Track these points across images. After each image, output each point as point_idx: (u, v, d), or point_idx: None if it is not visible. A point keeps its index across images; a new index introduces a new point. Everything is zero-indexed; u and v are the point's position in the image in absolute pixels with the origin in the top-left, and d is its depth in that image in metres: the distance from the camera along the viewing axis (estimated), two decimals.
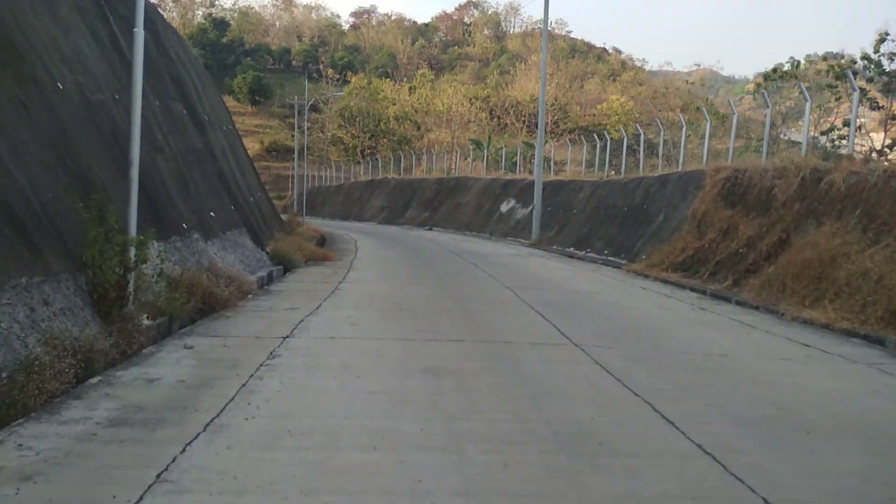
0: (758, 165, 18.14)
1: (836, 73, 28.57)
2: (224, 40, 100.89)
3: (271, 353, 7.30)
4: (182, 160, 14.05)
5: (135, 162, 8.62)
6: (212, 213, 14.22)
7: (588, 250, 25.36)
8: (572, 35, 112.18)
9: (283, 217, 31.07)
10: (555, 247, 28.15)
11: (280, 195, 71.65)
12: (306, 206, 62.81)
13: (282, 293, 12.05)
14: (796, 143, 24.21)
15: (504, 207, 36.57)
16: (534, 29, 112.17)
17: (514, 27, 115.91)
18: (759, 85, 44.07)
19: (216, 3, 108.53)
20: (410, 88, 73.13)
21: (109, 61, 12.46)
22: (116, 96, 11.87)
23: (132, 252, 8.17)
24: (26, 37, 9.50)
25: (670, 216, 21.08)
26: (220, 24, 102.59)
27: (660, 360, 7.78)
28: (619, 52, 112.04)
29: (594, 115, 70.30)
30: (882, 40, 29.13)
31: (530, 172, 40.27)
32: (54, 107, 9.36)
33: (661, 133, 28.68)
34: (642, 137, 30.00)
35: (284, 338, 8.07)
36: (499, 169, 43.19)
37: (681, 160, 26.52)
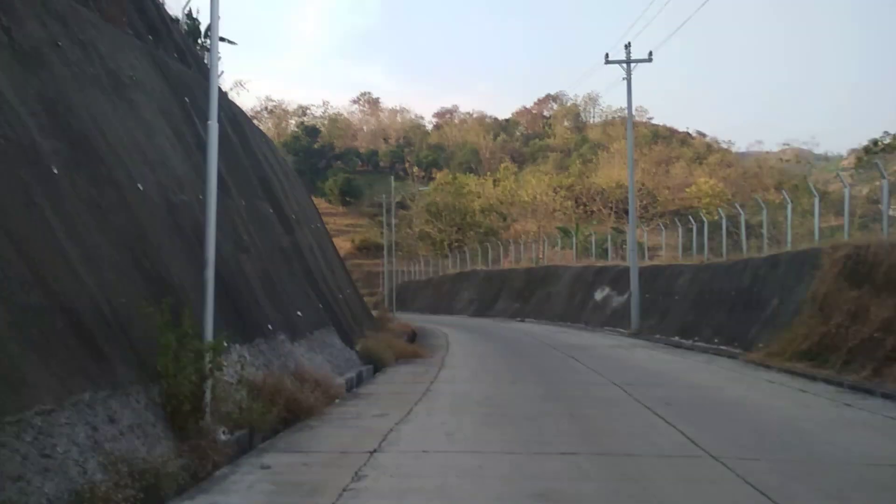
0: (881, 241, 16.35)
1: None
2: (315, 146, 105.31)
3: (356, 473, 6.29)
4: (268, 259, 13.64)
5: (210, 262, 8.02)
6: (299, 313, 13.63)
7: (695, 339, 23.51)
8: (654, 121, 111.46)
9: (374, 313, 30.62)
10: (657, 336, 26.37)
11: (371, 291, 72.12)
12: (397, 301, 62.75)
13: (371, 396, 11.12)
14: None
15: (598, 296, 35.05)
16: (614, 118, 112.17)
17: (593, 117, 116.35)
18: (860, 159, 41.59)
19: (307, 111, 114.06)
20: (494, 181, 73.49)
21: (194, 163, 12.28)
22: (200, 197, 11.59)
23: (207, 358, 7.47)
24: (106, 139, 9.28)
25: (786, 300, 19.24)
26: (312, 131, 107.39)
27: (823, 474, 6.32)
28: (703, 135, 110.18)
29: (683, 198, 68.44)
30: None
31: (622, 258, 38.81)
32: (133, 208, 9.00)
33: (765, 212, 26.93)
34: (742, 217, 28.27)
35: (372, 452, 7.06)
36: (589, 256, 41.89)
37: (788, 239, 24.72)
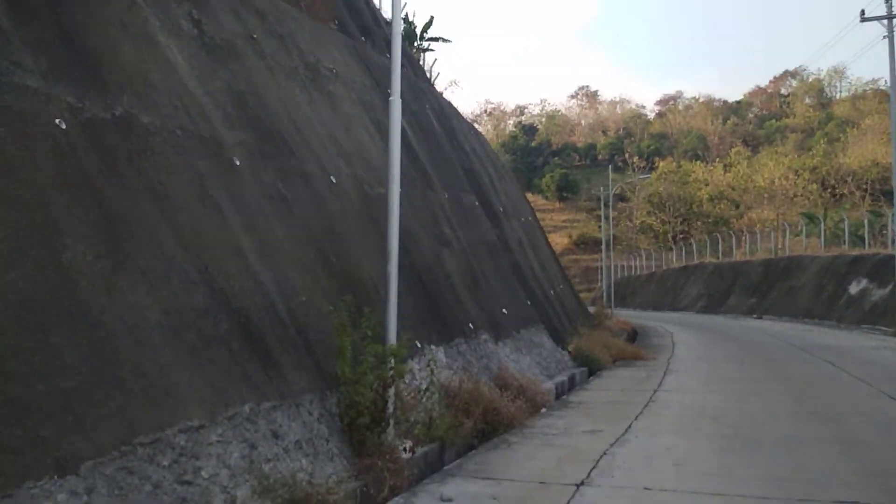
0: None
1: None
2: (533, 144, 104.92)
3: None
4: (472, 253, 12.72)
5: (392, 255, 7.13)
6: (504, 311, 12.55)
7: None
8: None
9: (591, 310, 28.98)
10: None
11: (589, 287, 70.04)
12: (616, 298, 60.07)
13: (582, 406, 9.70)
14: None
15: (853, 289, 30.29)
16: (864, 90, 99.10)
17: (840, 92, 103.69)
18: None
19: (525, 110, 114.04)
20: (725, 166, 67.72)
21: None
22: (400, 189, 10.93)
23: (390, 364, 6.56)
24: (300, 131, 8.80)
25: None
26: (529, 130, 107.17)
27: None
28: None
29: None
30: None
31: (883, 245, 33.36)
32: (323, 201, 8.40)
33: None
34: None
35: (578, 485, 5.68)
36: (840, 245, 36.60)
37: None
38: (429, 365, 7.59)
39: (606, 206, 45.62)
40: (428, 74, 24.45)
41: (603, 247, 37.10)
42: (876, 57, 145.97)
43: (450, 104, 18.69)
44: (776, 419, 8.41)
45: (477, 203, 14.97)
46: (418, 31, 29.63)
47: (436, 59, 47.33)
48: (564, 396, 10.65)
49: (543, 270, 19.14)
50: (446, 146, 15.14)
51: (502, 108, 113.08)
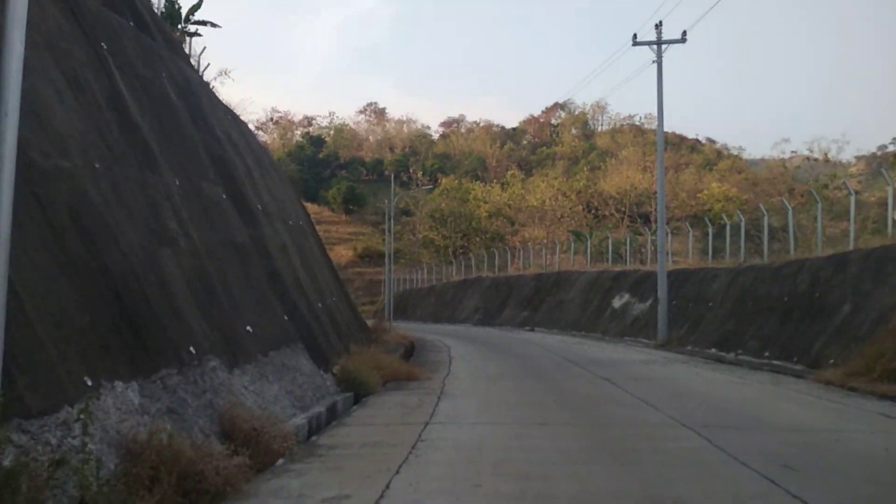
0: None
1: None
2: (320, 156, 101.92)
3: None
4: (209, 257, 9.89)
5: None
6: (248, 329, 9.87)
7: (738, 352, 19.64)
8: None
9: (370, 323, 26.97)
10: (689, 348, 22.52)
11: (373, 300, 68.44)
12: (398, 310, 58.92)
13: (333, 452, 7.33)
14: None
15: (617, 303, 31.18)
16: (622, 125, 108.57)
17: (601, 125, 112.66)
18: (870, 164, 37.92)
19: (313, 122, 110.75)
20: (503, 184, 69.64)
21: (97, 123, 8.53)
22: (97, 165, 7.91)
23: None
24: None
25: (862, 306, 15.39)
26: (317, 141, 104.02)
27: None
28: (712, 141, 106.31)
29: (695, 204, 64.55)
30: None
31: (641, 262, 34.99)
32: None
33: (791, 213, 23.19)
34: (766, 220, 24.40)
35: None
36: (604, 261, 38.05)
37: (819, 242, 21.02)
38: (79, 417, 4.81)
39: (390, 218, 44.19)
40: (196, 62, 21.16)
41: (387, 259, 35.31)
42: (635, 91, 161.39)
43: (203, 81, 15.65)
44: (569, 461, 6.64)
45: (225, 196, 12.13)
46: (184, 12, 26.06)
47: (205, 48, 43.18)
48: (314, 438, 8.21)
49: (313, 281, 16.62)
50: (188, 126, 12.15)
51: (290, 117, 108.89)
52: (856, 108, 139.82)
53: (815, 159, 57.43)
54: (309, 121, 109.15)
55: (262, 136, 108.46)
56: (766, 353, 18.29)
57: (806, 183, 56.29)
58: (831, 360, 15.11)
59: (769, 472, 6.11)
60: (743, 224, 26.11)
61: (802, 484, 5.72)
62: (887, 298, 14.50)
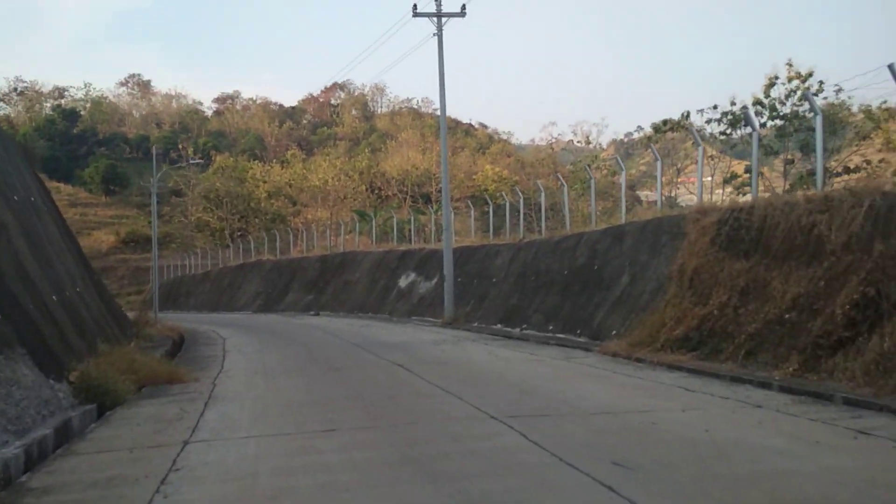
0: (768, 201, 13.19)
1: (733, 118, 25.57)
2: (75, 131, 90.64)
3: None
4: None
5: None
6: None
7: (524, 326, 19.57)
8: (438, 113, 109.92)
9: (131, 315, 23.60)
10: (476, 324, 22.23)
11: (140, 289, 62.13)
12: (170, 300, 53.90)
13: (44, 501, 5.22)
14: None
15: (403, 282, 30.42)
16: (401, 108, 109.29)
17: (381, 107, 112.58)
18: (633, 142, 41.22)
19: (66, 93, 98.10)
20: (283, 162, 66.33)
21: None
22: None
23: None
24: None
25: (639, 276, 15.72)
26: (71, 115, 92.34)
27: None
28: (484, 126, 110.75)
29: (471, 185, 66.41)
30: (772, 84, 26.52)
31: (425, 241, 34.61)
32: None
33: (566, 190, 24.01)
34: (543, 198, 25.04)
35: None
36: (389, 241, 37.20)
37: (594, 218, 21.98)
38: None
39: (154, 196, 39.74)
40: None
41: (153, 243, 31.50)
42: (413, 74, 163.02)
43: None
44: (368, 483, 5.19)
45: None
46: None
47: None
48: (25, 477, 5.95)
49: (47, 269, 13.51)
50: None
51: (37, 88, 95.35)
52: (614, 94, 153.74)
53: (578, 142, 61.39)
54: (60, 92, 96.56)
55: (5, 109, 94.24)
56: (551, 327, 18.32)
57: (569, 165, 60.13)
58: (614, 332, 15.27)
59: (602, 474, 5.13)
60: (522, 202, 26.46)
61: (643, 487, 4.79)
62: (664, 268, 14.86)
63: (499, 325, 21.03)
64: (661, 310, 13.96)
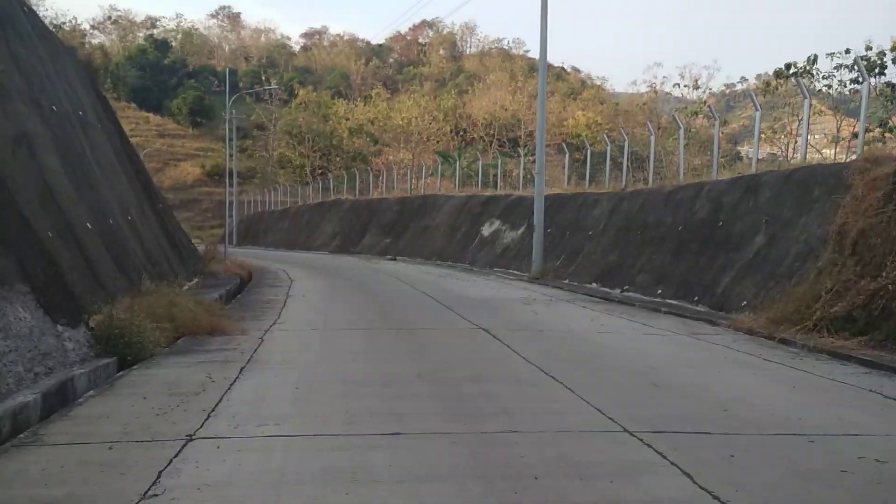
0: None
1: (867, 64, 21.95)
2: (166, 62, 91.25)
3: None
4: None
5: None
6: None
7: (626, 287, 17.00)
8: (530, 55, 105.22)
9: (201, 249, 22.44)
10: (567, 281, 19.78)
11: (222, 223, 62.27)
12: (248, 236, 53.50)
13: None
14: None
15: (486, 230, 28.11)
16: (490, 48, 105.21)
17: (470, 47, 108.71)
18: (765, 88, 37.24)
19: (158, 23, 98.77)
20: (366, 98, 64.36)
21: None
22: None
23: None
24: None
25: (780, 237, 12.84)
26: (162, 46, 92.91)
27: None
28: (577, 71, 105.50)
29: (562, 132, 62.83)
30: None
31: (512, 188, 32.04)
32: None
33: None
34: (627, 146, 21.92)
35: None
36: (473, 186, 34.80)
37: (681, 170, 18.89)
38: None
39: (232, 129, 38.51)
40: None
41: (227, 177, 30.16)
42: (504, 14, 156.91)
43: None
44: None
45: None
46: None
47: None
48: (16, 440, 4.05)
49: (87, 191, 11.87)
50: None
51: (130, 16, 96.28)
52: (728, 34, 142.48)
53: (685, 86, 56.43)
54: (153, 22, 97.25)
55: (101, 38, 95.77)
56: (659, 291, 15.69)
57: (666, 115, 55.70)
58: (744, 302, 12.55)
59: None
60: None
61: None
62: (815, 228, 11.97)
63: (594, 284, 18.53)
64: (811, 279, 11.17)
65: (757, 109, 16.76)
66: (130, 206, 14.43)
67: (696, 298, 14.16)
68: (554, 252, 21.99)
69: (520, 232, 25.76)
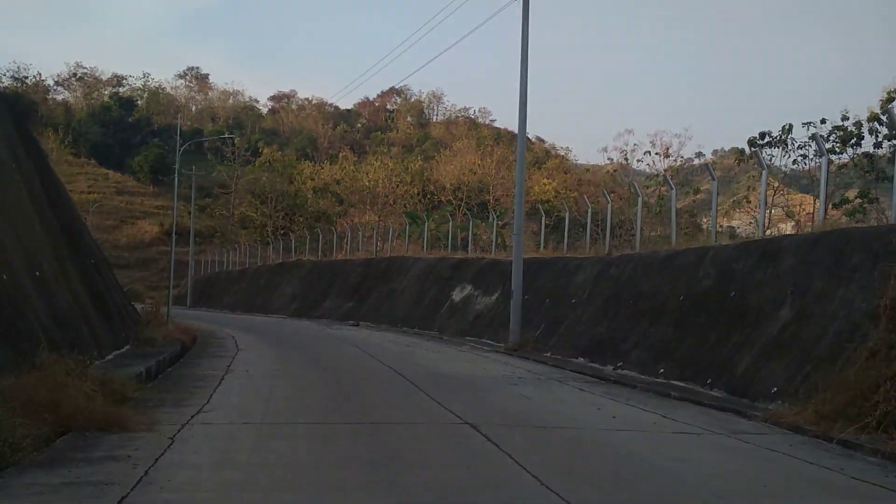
0: None
1: (843, 134, 21.17)
2: (130, 119, 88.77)
3: None
4: None
5: None
6: None
7: (619, 364, 14.76)
8: (496, 124, 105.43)
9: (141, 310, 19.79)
10: (549, 354, 17.50)
11: (177, 283, 58.94)
12: (203, 297, 50.37)
13: None
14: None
15: (457, 296, 25.80)
16: (457, 116, 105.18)
17: (437, 115, 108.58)
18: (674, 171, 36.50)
19: (124, 81, 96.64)
20: (332, 158, 62.46)
21: None
22: None
23: None
24: None
25: (812, 311, 10.78)
26: (127, 104, 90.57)
27: None
28: (542, 140, 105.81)
29: (530, 199, 61.54)
30: (892, 99, 21.78)
31: (483, 251, 30.01)
32: None
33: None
34: (608, 211, 20.22)
35: None
36: (442, 249, 32.67)
37: (673, 236, 17.08)
38: None
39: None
40: None
41: (172, 233, 27.66)
42: (470, 84, 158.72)
43: None
44: None
45: None
46: None
47: None
48: None
49: None
50: None
51: (96, 74, 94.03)
52: (699, 104, 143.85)
53: (656, 153, 55.50)
54: (119, 80, 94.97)
55: (64, 94, 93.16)
56: (661, 370, 13.47)
57: (625, 186, 54.73)
58: (774, 388, 10.38)
59: None
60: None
61: None
62: (858, 301, 9.96)
63: (581, 359, 16.27)
64: (861, 363, 9.06)
65: (713, 179, 16.48)
66: (42, 261, 11.84)
67: (708, 381, 11.96)
68: (533, 321, 19.74)
69: (493, 298, 23.53)
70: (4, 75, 74.84)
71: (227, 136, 53.13)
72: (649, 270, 16.21)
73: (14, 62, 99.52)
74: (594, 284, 18.32)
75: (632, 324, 15.62)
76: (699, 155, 53.59)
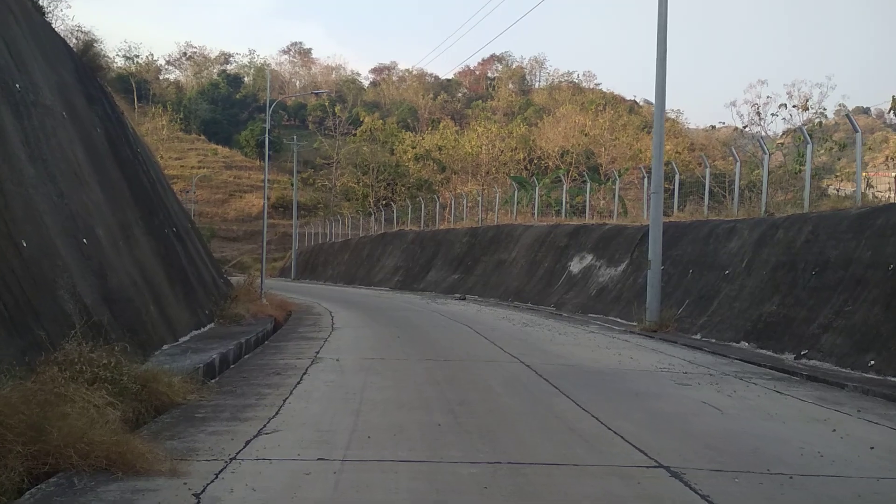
0: None
1: None
2: (237, 96, 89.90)
3: None
4: None
5: None
6: None
7: (803, 352, 11.33)
8: (601, 87, 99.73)
9: (236, 283, 18.09)
10: (699, 336, 14.22)
11: (283, 256, 58.79)
12: (306, 269, 49.43)
13: None
14: None
15: (576, 267, 22.67)
16: (560, 82, 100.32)
17: (539, 81, 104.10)
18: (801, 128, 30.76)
19: (231, 59, 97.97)
20: (433, 124, 59.98)
21: None
22: None
23: None
24: None
25: None
26: (234, 81, 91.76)
27: None
28: (650, 103, 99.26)
29: (639, 164, 56.95)
30: None
31: (601, 216, 26.65)
32: None
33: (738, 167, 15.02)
34: (738, 170, 16.29)
35: None
36: (553, 216, 29.48)
37: (763, 201, 13.12)
38: None
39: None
40: None
41: (265, 206, 25.78)
42: (576, 47, 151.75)
43: None
44: None
45: None
46: None
47: None
48: None
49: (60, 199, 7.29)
50: None
51: (205, 52, 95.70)
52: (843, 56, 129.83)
53: (794, 106, 49.38)
54: (226, 58, 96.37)
55: (175, 73, 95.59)
56: (871, 362, 10.00)
57: (743, 149, 48.90)
58: None
59: None
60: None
61: None
62: None
63: (745, 344, 12.91)
64: None
65: (856, 130, 13.81)
66: (95, 225, 9.77)
67: None
68: (673, 296, 16.43)
69: (620, 269, 20.29)
70: (117, 55, 77.04)
71: (319, 91, 51.33)
72: (836, 233, 12.55)
73: (125, 41, 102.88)
74: (755, 251, 14.77)
75: (816, 301, 12.08)
76: (842, 107, 46.78)
